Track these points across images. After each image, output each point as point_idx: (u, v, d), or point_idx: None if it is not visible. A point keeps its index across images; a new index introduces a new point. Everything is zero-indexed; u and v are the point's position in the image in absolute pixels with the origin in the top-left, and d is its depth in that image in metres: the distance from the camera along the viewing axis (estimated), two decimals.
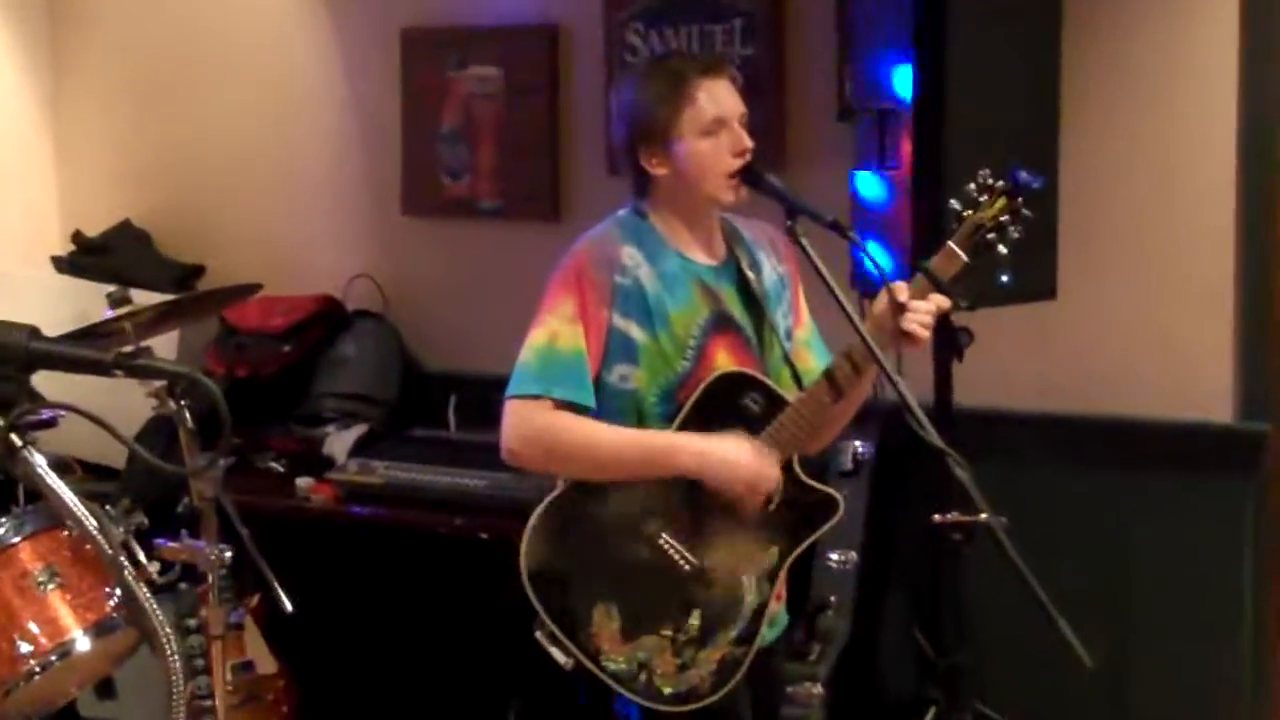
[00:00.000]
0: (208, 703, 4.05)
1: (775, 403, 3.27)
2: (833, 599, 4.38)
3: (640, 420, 3.25)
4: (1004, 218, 3.21)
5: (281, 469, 5.25)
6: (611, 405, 3.24)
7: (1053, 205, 4.18)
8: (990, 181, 3.22)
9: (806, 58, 4.98)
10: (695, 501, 3.23)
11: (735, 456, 3.20)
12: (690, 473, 3.20)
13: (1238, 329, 4.62)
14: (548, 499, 3.26)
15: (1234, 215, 4.57)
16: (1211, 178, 4.58)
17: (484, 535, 4.60)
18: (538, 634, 3.23)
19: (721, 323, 3.29)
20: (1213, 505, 4.61)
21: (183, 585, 4.24)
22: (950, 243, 3.21)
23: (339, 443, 5.22)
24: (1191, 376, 4.64)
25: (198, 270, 5.90)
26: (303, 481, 5.04)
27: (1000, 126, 4.04)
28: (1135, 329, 4.71)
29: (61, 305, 5.36)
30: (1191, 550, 4.64)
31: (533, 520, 3.23)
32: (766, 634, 3.35)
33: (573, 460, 3.21)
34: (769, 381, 3.29)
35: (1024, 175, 3.21)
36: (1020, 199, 3.21)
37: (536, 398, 3.18)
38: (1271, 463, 4.62)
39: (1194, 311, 4.65)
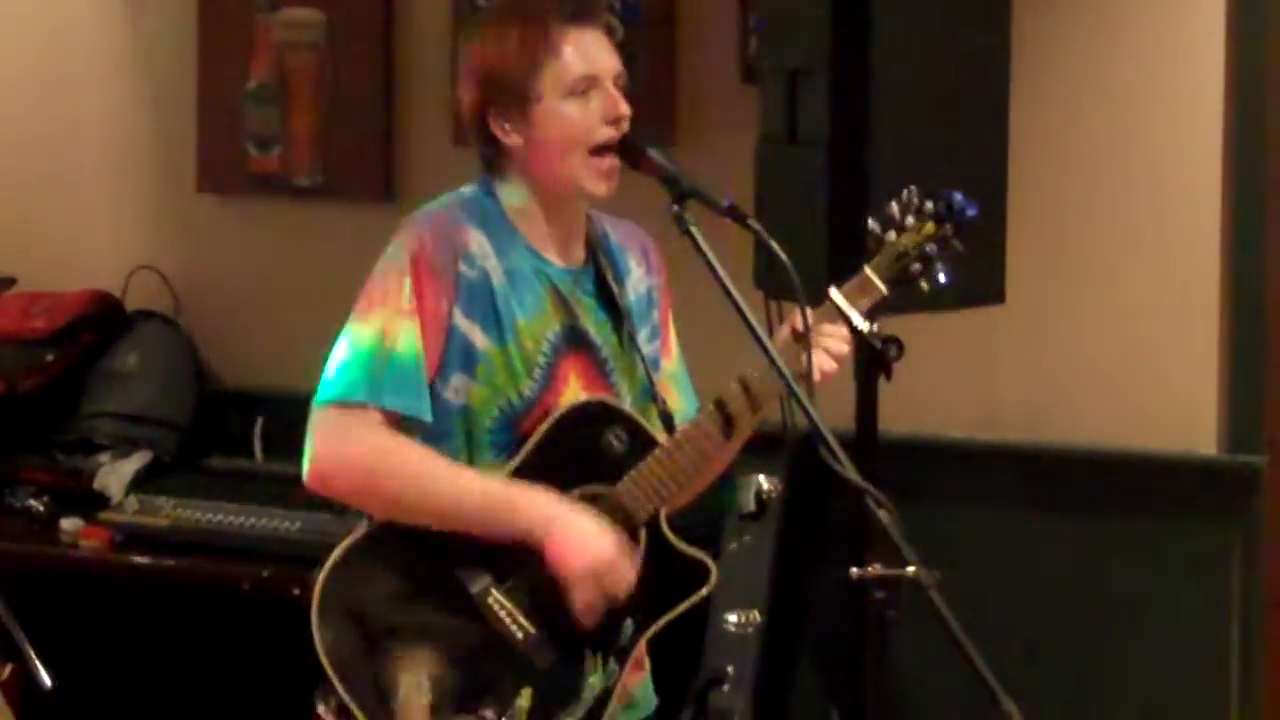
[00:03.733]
0: None
1: (642, 443, 3.26)
2: (730, 670, 4.39)
3: (470, 447, 3.24)
4: (929, 246, 3.26)
5: (42, 507, 5.21)
6: (437, 424, 3.22)
7: (1000, 188, 4.19)
8: (917, 201, 3.27)
9: (702, 2, 5.02)
10: (536, 555, 3.20)
11: (595, 538, 3.18)
12: (531, 537, 3.18)
13: (1225, 341, 4.72)
14: (348, 540, 3.23)
15: (1220, 204, 4.67)
16: (1194, 158, 4.68)
17: (296, 591, 4.57)
18: (320, 708, 3.24)
19: (574, 341, 3.28)
20: (1194, 555, 4.70)
21: None
22: (866, 268, 3.26)
23: (115, 475, 5.19)
24: (1169, 399, 4.72)
25: None
26: (69, 523, 5.02)
27: (938, 89, 4.08)
28: (1100, 341, 4.79)
29: None
30: (1169, 610, 4.72)
31: (329, 564, 3.21)
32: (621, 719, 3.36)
33: (397, 496, 3.19)
34: (637, 416, 3.30)
35: (959, 199, 3.25)
36: (950, 226, 3.26)
37: (361, 406, 3.16)
38: (1266, 504, 4.71)
39: (1172, 320, 4.73)
